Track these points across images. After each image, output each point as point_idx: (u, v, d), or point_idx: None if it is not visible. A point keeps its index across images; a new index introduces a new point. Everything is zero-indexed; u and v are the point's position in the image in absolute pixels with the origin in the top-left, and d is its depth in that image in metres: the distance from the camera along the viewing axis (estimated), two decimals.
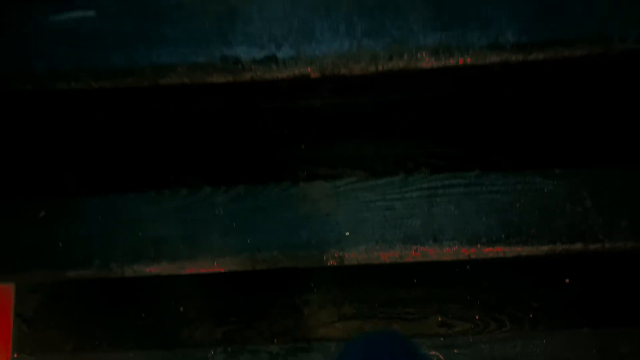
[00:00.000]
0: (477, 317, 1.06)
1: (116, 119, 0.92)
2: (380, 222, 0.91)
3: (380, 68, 0.79)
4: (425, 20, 0.78)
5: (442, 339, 1.06)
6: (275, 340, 1.05)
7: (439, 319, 1.07)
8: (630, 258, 0.94)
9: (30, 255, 0.92)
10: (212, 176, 0.95)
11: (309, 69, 0.79)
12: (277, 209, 0.92)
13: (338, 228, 0.91)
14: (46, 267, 0.92)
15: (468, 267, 1.02)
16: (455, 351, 1.07)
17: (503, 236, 0.89)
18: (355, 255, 0.92)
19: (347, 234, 0.91)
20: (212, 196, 0.93)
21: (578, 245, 0.88)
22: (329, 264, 0.92)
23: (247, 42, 0.79)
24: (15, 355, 1.06)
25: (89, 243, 0.92)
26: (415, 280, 1.06)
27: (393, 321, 1.07)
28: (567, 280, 1.04)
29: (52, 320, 1.07)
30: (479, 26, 0.77)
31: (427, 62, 0.78)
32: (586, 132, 0.92)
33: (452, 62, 0.78)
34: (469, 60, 0.78)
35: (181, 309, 1.06)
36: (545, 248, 0.89)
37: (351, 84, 0.91)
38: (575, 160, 0.91)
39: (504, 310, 1.07)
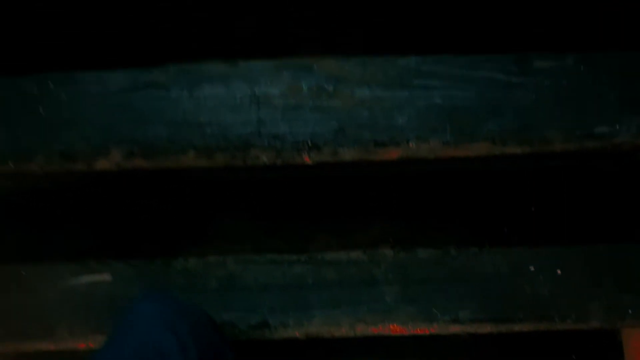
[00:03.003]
0: None
1: None
2: None
3: (359, 332, 0.92)
4: (396, 294, 0.91)
5: None
6: None
7: None
8: None
9: None
10: None
11: (297, 334, 0.91)
12: None
13: None
14: None
15: None
16: None
17: None
18: None
19: None
20: None
21: None
22: None
23: (243, 308, 0.91)
24: None
25: None
26: None
27: None
28: None
29: None
30: (443, 307, 0.91)
31: (398, 330, 0.91)
32: None
33: (419, 331, 0.91)
34: (433, 330, 0.91)
35: None
36: None
37: None
38: None
39: None
